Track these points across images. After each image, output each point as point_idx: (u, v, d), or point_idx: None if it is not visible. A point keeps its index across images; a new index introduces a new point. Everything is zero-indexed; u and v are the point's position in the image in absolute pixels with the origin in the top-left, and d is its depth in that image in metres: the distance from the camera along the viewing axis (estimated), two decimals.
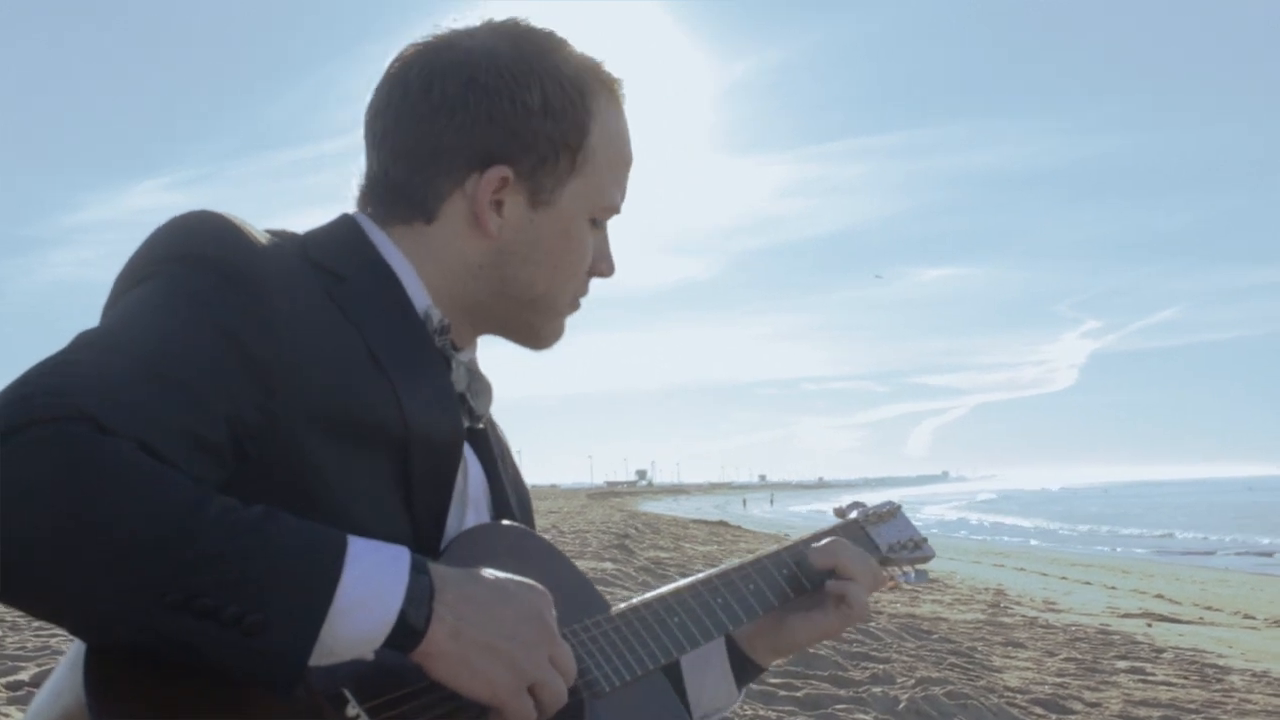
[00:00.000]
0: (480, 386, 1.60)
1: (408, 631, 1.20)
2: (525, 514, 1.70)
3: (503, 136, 1.52)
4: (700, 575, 1.77)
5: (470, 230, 1.55)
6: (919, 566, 2.07)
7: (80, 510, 1.08)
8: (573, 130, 1.55)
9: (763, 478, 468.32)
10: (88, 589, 1.09)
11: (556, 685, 1.31)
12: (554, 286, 1.60)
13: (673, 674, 1.79)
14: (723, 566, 1.81)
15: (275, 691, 1.15)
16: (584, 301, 1.67)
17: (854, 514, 2.07)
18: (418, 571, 1.22)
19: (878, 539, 2.04)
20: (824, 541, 1.88)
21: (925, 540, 2.10)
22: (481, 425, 1.62)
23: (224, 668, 1.13)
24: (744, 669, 1.85)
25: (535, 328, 1.64)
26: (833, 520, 2.06)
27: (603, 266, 1.65)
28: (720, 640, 1.81)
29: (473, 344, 1.65)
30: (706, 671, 1.83)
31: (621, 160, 1.63)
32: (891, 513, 2.10)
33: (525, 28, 1.58)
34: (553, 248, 1.57)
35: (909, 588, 2.15)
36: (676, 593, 1.70)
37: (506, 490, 1.65)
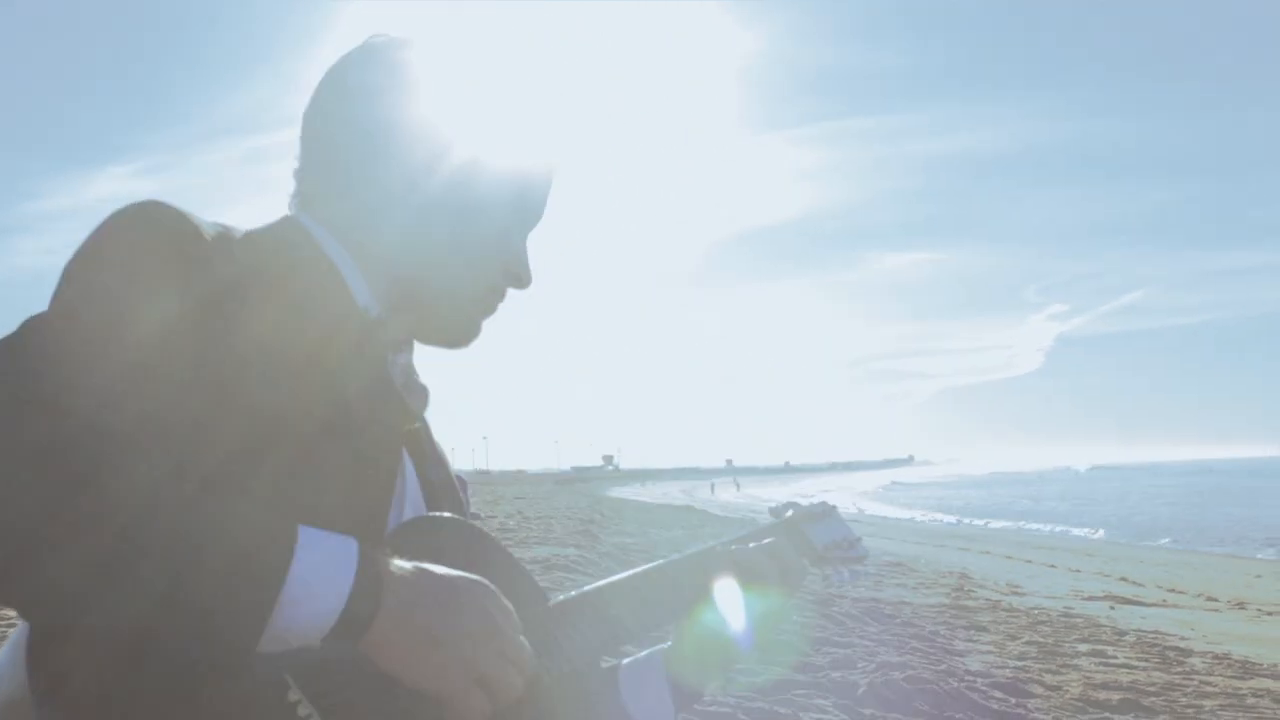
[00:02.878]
0: (415, 387, 1.62)
1: (354, 621, 1.21)
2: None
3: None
4: (638, 569, 1.79)
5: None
6: (853, 566, 2.08)
7: (40, 494, 1.09)
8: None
9: (729, 462, 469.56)
10: (40, 572, 1.09)
11: (509, 677, 1.32)
12: (465, 279, 1.60)
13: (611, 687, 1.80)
14: (659, 562, 1.81)
15: (222, 675, 1.18)
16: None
17: (789, 513, 2.07)
18: (366, 562, 1.24)
19: (814, 538, 2.04)
20: (753, 547, 1.86)
21: (859, 540, 2.12)
22: (416, 425, 1.63)
23: (173, 652, 1.16)
24: (679, 691, 1.83)
25: (447, 319, 1.63)
26: (769, 520, 2.07)
27: (521, 275, 1.65)
28: (660, 660, 1.83)
29: (409, 345, 1.65)
30: (644, 689, 1.82)
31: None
32: (826, 513, 2.11)
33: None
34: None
35: (840, 586, 2.16)
36: (614, 586, 1.72)
37: (438, 492, 1.65)
